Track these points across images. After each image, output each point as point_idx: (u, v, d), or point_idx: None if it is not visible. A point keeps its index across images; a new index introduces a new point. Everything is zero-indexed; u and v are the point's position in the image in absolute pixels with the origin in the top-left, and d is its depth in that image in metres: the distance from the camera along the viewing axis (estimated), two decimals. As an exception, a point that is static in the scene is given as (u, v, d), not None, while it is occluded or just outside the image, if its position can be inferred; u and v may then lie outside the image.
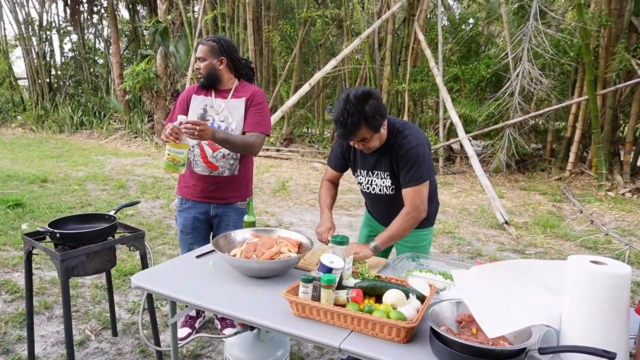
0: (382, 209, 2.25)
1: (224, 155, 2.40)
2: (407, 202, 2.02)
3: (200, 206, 2.50)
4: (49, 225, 2.06)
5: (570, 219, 5.90)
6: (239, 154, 2.44)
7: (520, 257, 4.46)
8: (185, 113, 2.44)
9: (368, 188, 2.17)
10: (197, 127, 2.04)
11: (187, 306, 1.95)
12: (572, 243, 4.88)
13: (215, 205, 2.49)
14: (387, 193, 2.12)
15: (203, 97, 2.45)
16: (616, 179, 7.55)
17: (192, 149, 2.42)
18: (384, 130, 1.98)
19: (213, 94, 2.44)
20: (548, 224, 5.49)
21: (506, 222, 5.35)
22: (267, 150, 10.40)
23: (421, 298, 1.51)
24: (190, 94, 2.48)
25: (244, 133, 2.41)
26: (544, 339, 1.27)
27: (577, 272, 1.27)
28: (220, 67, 2.39)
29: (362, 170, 2.16)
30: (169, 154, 2.07)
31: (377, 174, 2.11)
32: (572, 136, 8.29)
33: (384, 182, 2.11)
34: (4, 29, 15.74)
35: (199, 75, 2.42)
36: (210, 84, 2.43)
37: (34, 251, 2.15)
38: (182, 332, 2.69)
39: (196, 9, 11.51)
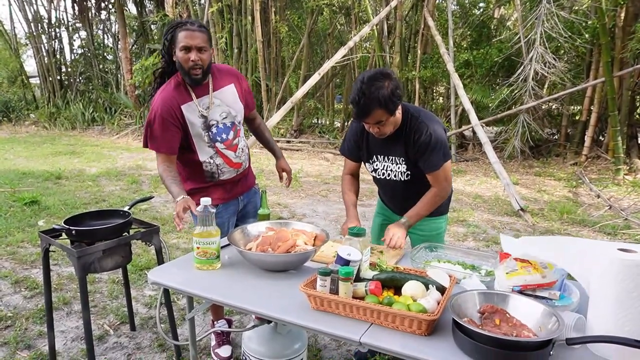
0: (397, 196, 2.23)
1: (242, 149, 2.29)
2: (433, 184, 2.06)
3: (231, 205, 2.33)
4: (64, 223, 2.06)
5: (588, 204, 5.79)
6: (246, 141, 2.37)
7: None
8: (180, 131, 2.07)
9: (384, 174, 2.15)
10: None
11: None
12: (590, 229, 4.79)
13: (242, 197, 2.39)
14: (402, 179, 2.11)
15: (192, 104, 2.08)
16: (634, 163, 7.39)
17: (211, 160, 2.17)
18: (399, 115, 1.96)
19: (193, 95, 2.09)
20: (565, 210, 5.40)
21: (522, 209, 5.27)
22: (278, 141, 10.37)
23: (441, 289, 1.48)
24: (176, 106, 2.05)
25: (248, 112, 2.36)
26: (575, 328, 1.24)
27: (605, 260, 1.23)
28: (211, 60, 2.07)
29: (378, 156, 2.14)
30: (198, 247, 1.74)
31: (393, 159, 2.09)
32: (588, 120, 8.11)
33: (399, 168, 2.10)
34: (14, 27, 15.86)
35: (195, 70, 1.99)
36: (203, 82, 2.08)
37: (51, 248, 2.16)
38: (226, 350, 2.46)
39: (202, 1, 11.46)
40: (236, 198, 2.36)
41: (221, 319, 2.60)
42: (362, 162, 2.26)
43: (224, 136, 2.17)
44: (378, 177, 2.19)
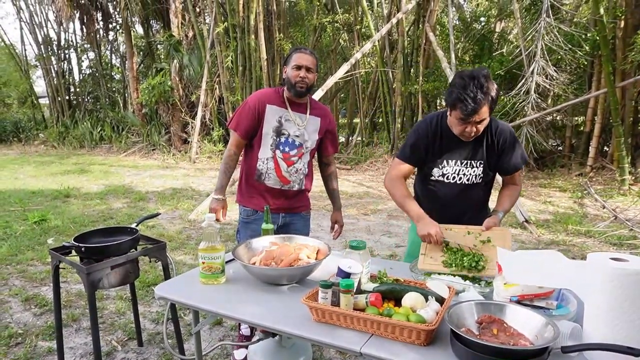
0: (461, 200, 2.15)
1: (297, 170, 2.42)
2: (514, 182, 2.20)
3: (271, 217, 2.39)
4: (74, 240, 2.12)
5: (593, 215, 5.78)
6: (309, 170, 2.50)
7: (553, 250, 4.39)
8: (256, 122, 2.34)
9: (454, 178, 2.12)
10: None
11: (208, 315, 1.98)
12: (595, 240, 4.78)
13: (284, 214, 2.49)
14: (475, 182, 2.12)
15: (277, 108, 2.36)
16: (639, 172, 7.38)
17: (265, 161, 2.38)
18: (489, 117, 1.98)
19: (289, 107, 2.38)
20: (570, 221, 5.40)
21: (526, 221, 5.27)
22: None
23: (440, 300, 1.51)
24: (263, 102, 2.35)
25: (322, 155, 2.59)
26: (571, 336, 1.27)
27: (597, 269, 1.26)
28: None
29: (449, 161, 2.11)
30: (203, 262, 1.80)
31: (469, 163, 2.09)
32: (592, 131, 8.13)
33: (475, 171, 2.10)
34: (25, 50, 16.23)
35: (301, 84, 2.29)
36: (303, 96, 2.37)
37: (61, 265, 2.22)
38: (241, 353, 2.57)
39: (207, 20, 11.70)
40: (277, 213, 2.45)
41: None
42: (421, 167, 2.21)
43: (286, 149, 2.38)
44: (446, 181, 2.13)
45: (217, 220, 2.31)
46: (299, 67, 2.28)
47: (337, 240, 4.93)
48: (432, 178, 2.16)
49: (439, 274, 1.83)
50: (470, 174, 2.10)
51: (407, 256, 2.39)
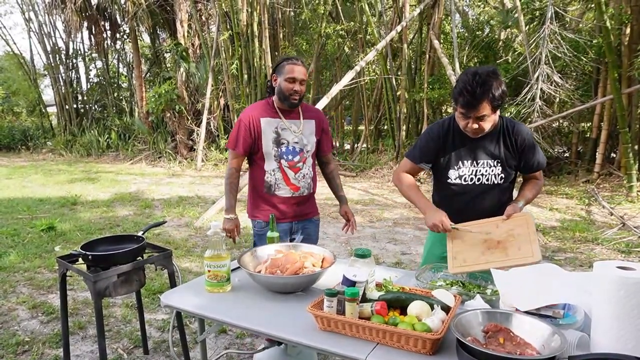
0: (483, 202, 2.12)
1: (304, 175, 2.46)
2: (536, 176, 2.19)
3: (283, 226, 2.47)
4: (81, 248, 2.14)
5: (601, 222, 5.74)
6: (313, 173, 2.53)
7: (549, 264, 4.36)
8: (252, 137, 2.38)
9: (472, 179, 2.09)
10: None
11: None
12: (603, 247, 4.74)
13: (296, 222, 2.52)
14: (497, 182, 2.09)
15: (271, 120, 2.40)
16: (647, 179, 7.31)
17: (273, 173, 2.42)
18: (496, 116, 1.98)
19: (281, 116, 2.42)
20: (577, 228, 5.36)
21: (533, 228, 5.23)
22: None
23: (446, 309, 1.50)
24: (257, 117, 2.39)
25: (320, 155, 2.63)
26: (578, 345, 1.26)
27: (603, 278, 1.25)
28: None
29: (465, 161, 2.09)
30: (209, 271, 1.81)
31: (485, 162, 2.08)
32: (598, 137, 8.09)
33: (493, 171, 2.08)
34: (33, 59, 16.44)
35: (294, 97, 2.35)
36: (296, 107, 2.43)
37: (68, 273, 2.23)
38: None
39: (213, 29, 11.80)
40: (289, 222, 2.49)
41: None
42: (436, 173, 2.19)
43: (290, 157, 2.43)
44: (464, 183, 2.10)
45: (233, 239, 2.44)
46: (293, 80, 2.32)
47: (343, 248, 4.93)
48: (450, 181, 2.13)
49: (465, 285, 1.84)
50: (489, 174, 2.08)
51: (422, 264, 2.35)
